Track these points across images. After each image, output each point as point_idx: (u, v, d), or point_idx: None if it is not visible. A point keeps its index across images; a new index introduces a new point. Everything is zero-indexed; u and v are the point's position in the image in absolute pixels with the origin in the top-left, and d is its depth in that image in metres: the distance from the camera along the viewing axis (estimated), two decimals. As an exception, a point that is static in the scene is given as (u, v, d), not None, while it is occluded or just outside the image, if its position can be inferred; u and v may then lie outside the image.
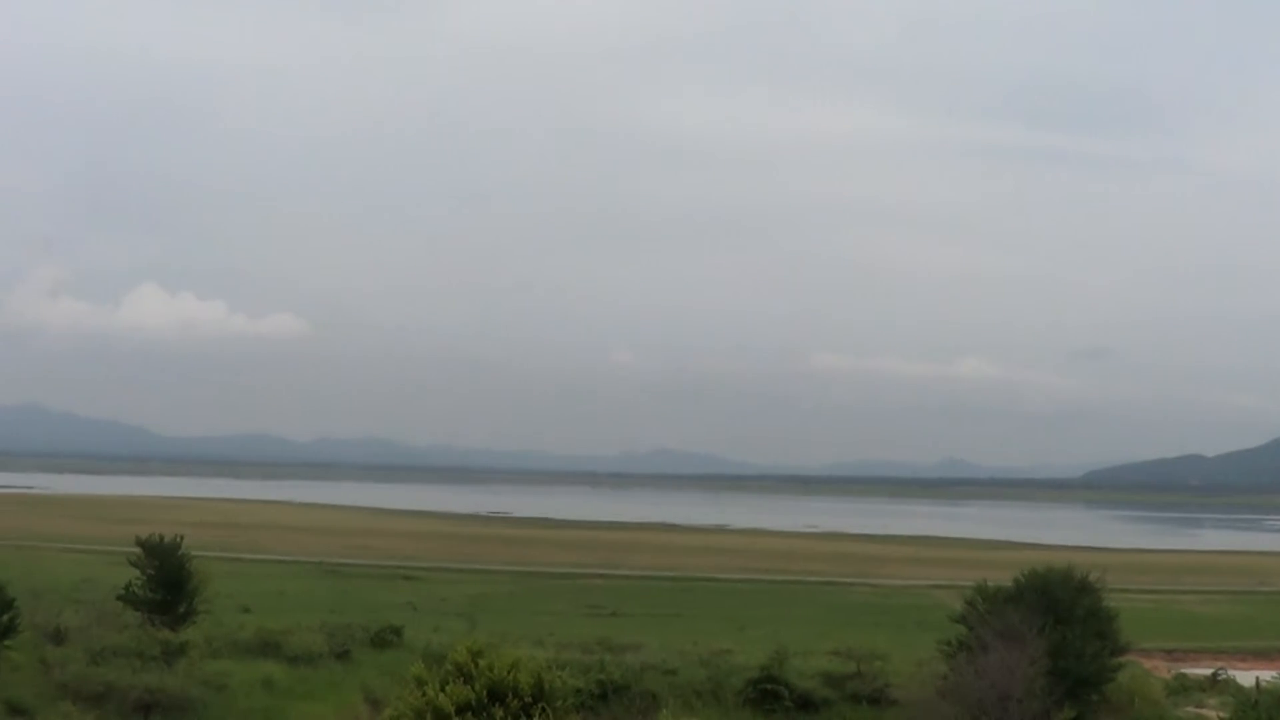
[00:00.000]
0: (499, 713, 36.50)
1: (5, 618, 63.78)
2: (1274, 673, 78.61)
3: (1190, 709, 73.89)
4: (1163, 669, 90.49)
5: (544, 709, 36.99)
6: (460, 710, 36.62)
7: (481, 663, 38.02)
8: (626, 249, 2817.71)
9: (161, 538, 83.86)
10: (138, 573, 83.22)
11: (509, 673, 37.50)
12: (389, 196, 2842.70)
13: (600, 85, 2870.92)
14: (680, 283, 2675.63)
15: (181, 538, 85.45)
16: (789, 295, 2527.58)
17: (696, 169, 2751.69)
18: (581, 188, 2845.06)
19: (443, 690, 37.10)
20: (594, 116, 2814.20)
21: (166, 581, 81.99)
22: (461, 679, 37.64)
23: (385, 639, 78.71)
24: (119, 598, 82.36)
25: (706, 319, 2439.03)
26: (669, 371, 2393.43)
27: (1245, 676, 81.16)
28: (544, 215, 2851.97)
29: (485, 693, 36.95)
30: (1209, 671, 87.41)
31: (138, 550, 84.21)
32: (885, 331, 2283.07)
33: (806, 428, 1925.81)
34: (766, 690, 66.59)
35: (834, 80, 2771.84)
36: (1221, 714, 65.40)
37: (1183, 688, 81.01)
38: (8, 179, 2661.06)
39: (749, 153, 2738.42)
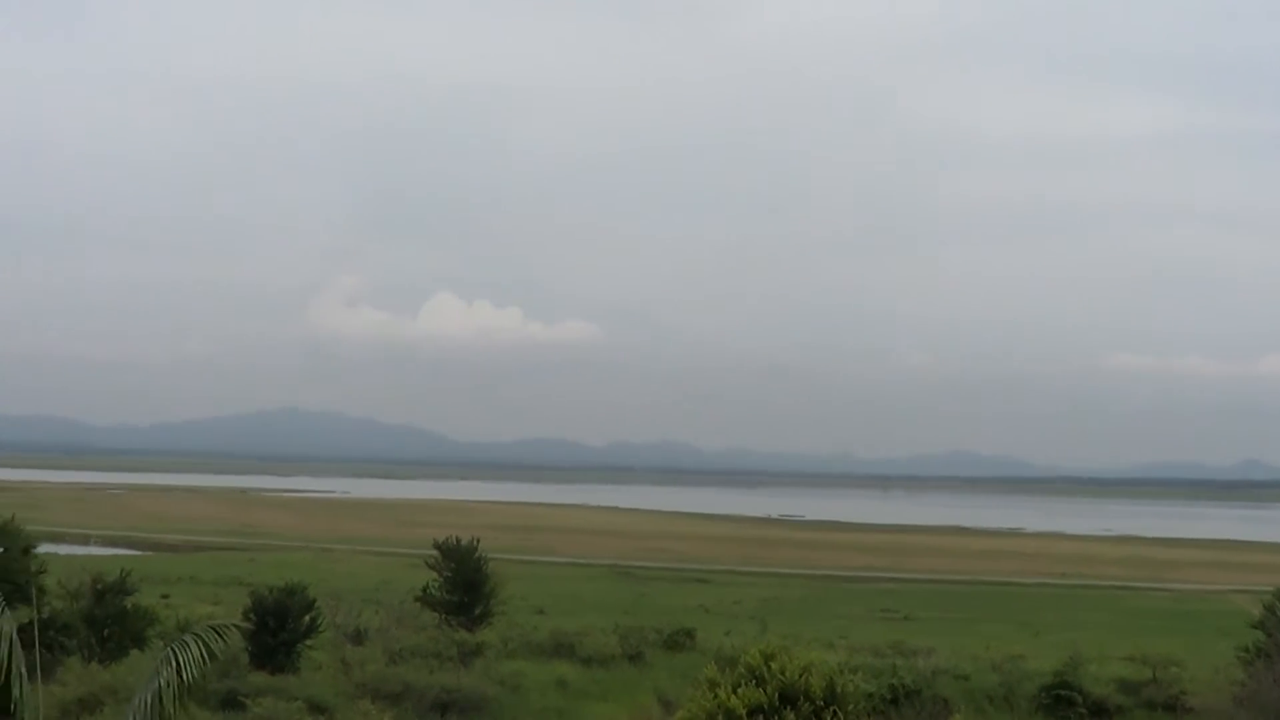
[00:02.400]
0: (790, 716, 36.25)
1: (307, 618, 65.66)
2: None
3: None
4: None
5: (836, 713, 36.63)
6: (752, 713, 36.47)
7: (774, 665, 37.82)
8: (920, 249, 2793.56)
9: (458, 541, 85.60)
10: (435, 575, 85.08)
11: (801, 676, 37.22)
12: (680, 204, 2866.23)
13: (892, 84, 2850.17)
14: (976, 283, 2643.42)
15: (478, 541, 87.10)
16: (1087, 294, 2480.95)
17: (994, 167, 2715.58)
18: (876, 188, 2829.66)
19: (735, 693, 36.99)
20: (888, 116, 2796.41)
21: (463, 583, 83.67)
22: (754, 682, 37.49)
23: (678, 641, 78.96)
24: (417, 599, 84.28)
25: (1003, 319, 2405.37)
26: (964, 373, 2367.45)
27: None
28: (837, 217, 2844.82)
29: (777, 696, 36.74)
30: None
31: (435, 553, 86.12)
32: (1186, 331, 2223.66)
33: (1104, 429, 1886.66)
34: (1060, 696, 65.12)
35: (1132, 74, 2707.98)
36: None
37: None
38: (313, 195, 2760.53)
39: (1047, 150, 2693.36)
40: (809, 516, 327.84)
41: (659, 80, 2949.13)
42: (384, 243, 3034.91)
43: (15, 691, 19.51)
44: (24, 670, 19.74)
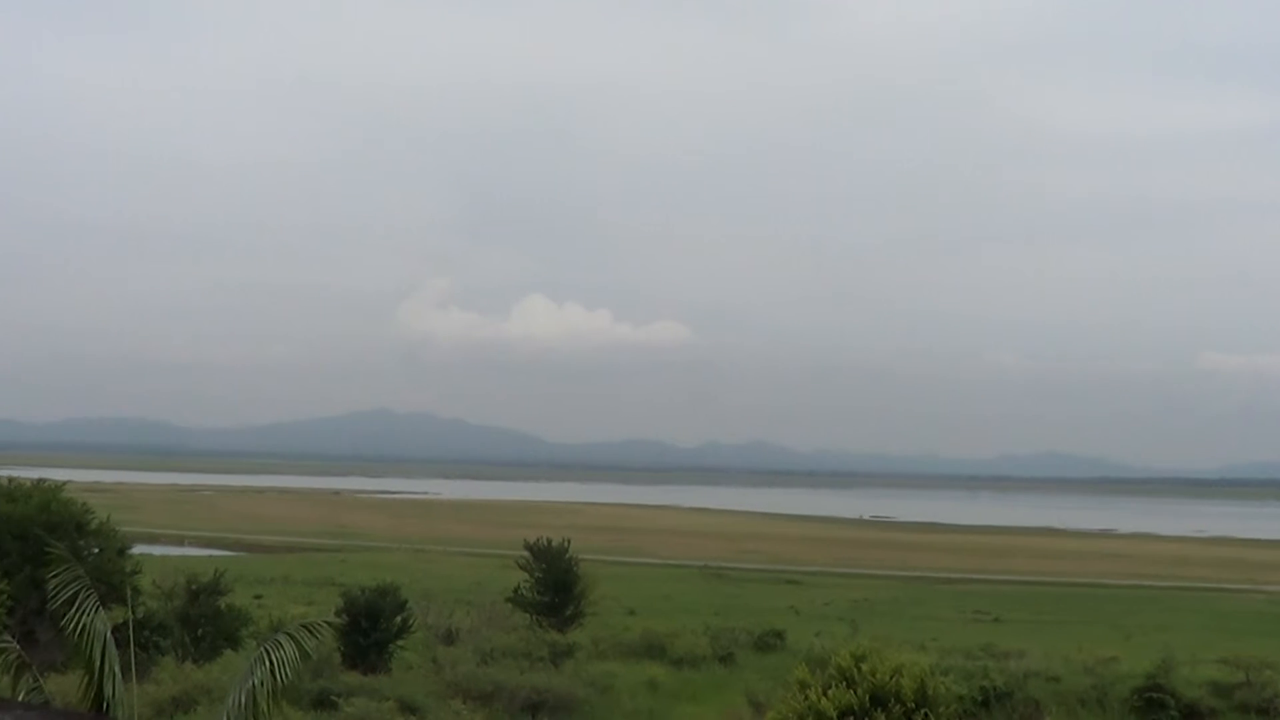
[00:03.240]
0: (881, 718, 36.13)
1: (399, 619, 66.11)
2: None
3: None
4: None
5: (927, 715, 36.46)
6: (843, 715, 36.36)
7: (865, 667, 37.71)
8: (1007, 249, 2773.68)
9: (549, 542, 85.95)
10: (526, 576, 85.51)
11: (892, 678, 37.08)
12: (770, 205, 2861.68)
13: (984, 84, 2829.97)
14: (1066, 282, 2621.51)
15: (569, 542, 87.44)
16: (1178, 293, 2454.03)
17: (1085, 167, 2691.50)
18: (962, 188, 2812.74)
19: (825, 694, 36.89)
20: (980, 116, 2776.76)
21: (554, 584, 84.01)
22: (844, 683, 37.39)
23: (768, 642, 78.88)
24: (508, 600, 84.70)
25: (1094, 318, 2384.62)
26: (1052, 372, 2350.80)
27: None
28: (925, 217, 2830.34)
29: (868, 698, 36.62)
30: None
31: (526, 554, 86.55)
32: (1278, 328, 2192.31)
33: (1196, 428, 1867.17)
34: (1152, 699, 64.46)
35: (1228, 70, 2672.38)
36: None
37: None
38: (407, 200, 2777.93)
39: (1137, 148, 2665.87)
40: (899, 518, 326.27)
41: (747, 82, 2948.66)
42: (476, 246, 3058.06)
43: (110, 690, 19.74)
44: (119, 669, 19.98)
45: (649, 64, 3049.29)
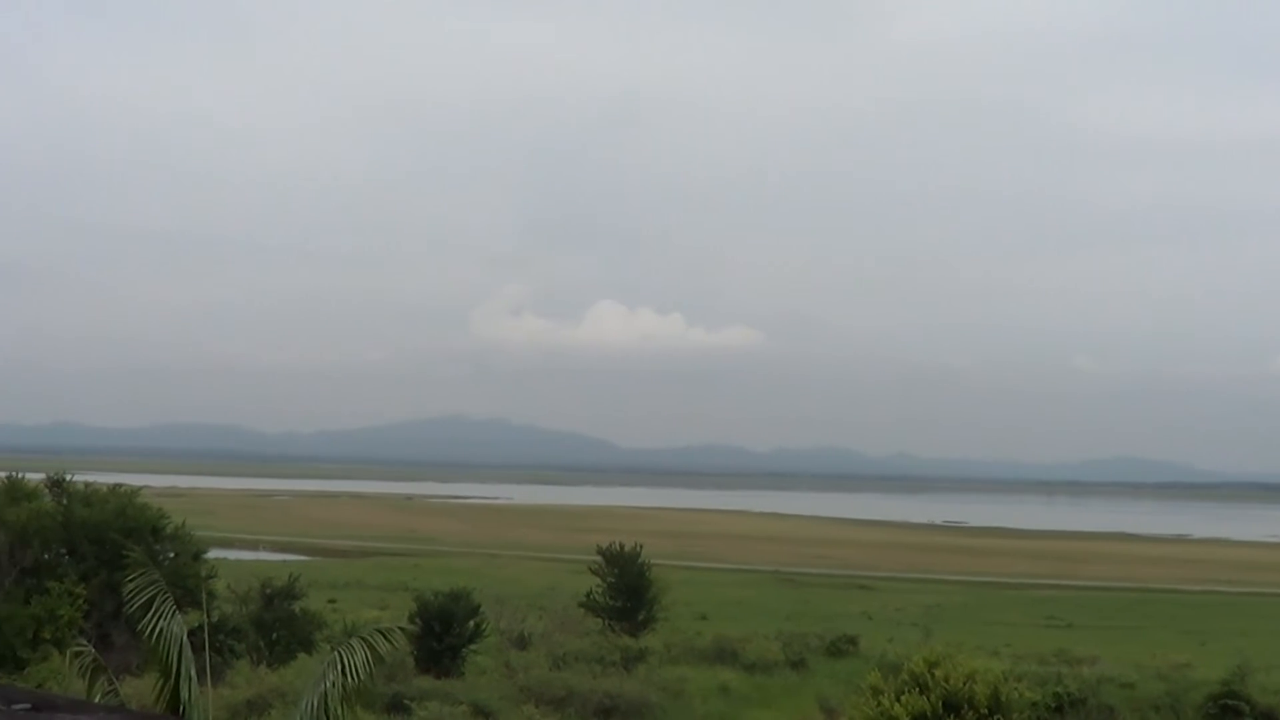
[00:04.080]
0: (954, 724, 36.01)
1: (471, 623, 66.25)
2: None
3: None
4: None
5: (1000, 721, 36.32)
6: (915, 721, 36.28)
7: (937, 673, 37.58)
8: (1086, 253, 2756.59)
9: (622, 546, 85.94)
10: (599, 580, 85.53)
11: (965, 684, 36.94)
12: (841, 210, 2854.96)
13: (1053, 89, 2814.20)
14: (1141, 287, 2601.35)
15: (641, 546, 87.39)
16: (1253, 296, 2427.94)
17: (1157, 171, 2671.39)
18: (1040, 193, 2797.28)
19: (898, 700, 36.81)
20: (1046, 116, 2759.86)
21: (627, 589, 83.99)
22: (917, 689, 37.28)
23: (840, 648, 78.61)
24: (580, 604, 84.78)
25: (1169, 323, 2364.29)
26: (1132, 376, 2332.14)
27: None
28: (998, 219, 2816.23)
29: (941, 704, 36.49)
30: None
31: (599, 559, 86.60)
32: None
33: (1274, 432, 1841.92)
34: (1227, 706, 63.77)
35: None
36: None
37: None
38: (480, 207, 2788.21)
39: (1208, 152, 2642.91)
40: (972, 522, 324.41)
41: (818, 87, 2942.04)
42: (548, 252, 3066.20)
43: (185, 693, 19.87)
44: (194, 673, 20.11)
45: (723, 69, 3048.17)
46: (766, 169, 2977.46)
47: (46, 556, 62.43)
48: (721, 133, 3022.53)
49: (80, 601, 57.86)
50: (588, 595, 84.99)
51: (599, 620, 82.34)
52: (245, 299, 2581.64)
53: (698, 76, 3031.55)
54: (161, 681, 20.20)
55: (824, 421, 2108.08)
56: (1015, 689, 39.28)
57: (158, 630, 19.79)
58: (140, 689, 38.66)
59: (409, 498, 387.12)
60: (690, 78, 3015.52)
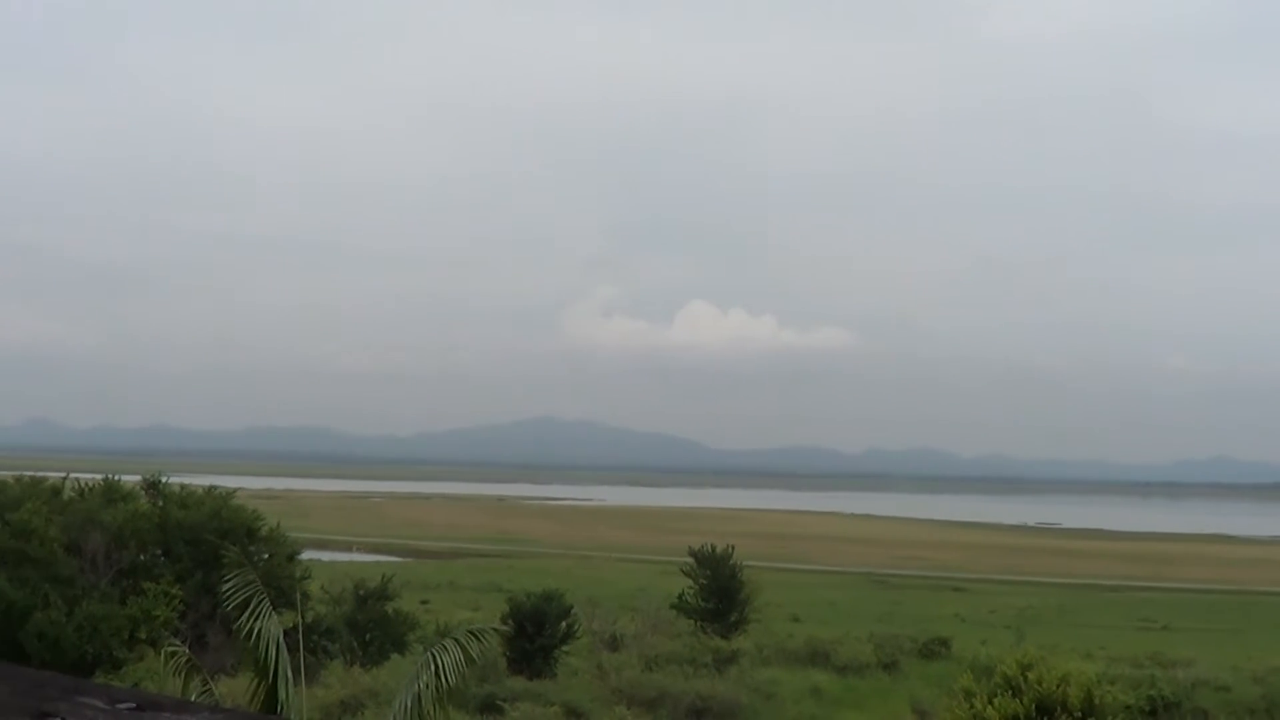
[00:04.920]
0: (1048, 727, 35.78)
1: (564, 624, 66.53)
2: None
3: None
4: None
5: (1094, 724, 36.05)
6: (1008, 724, 36.07)
7: (1030, 676, 37.33)
8: (1180, 251, 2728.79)
9: (713, 548, 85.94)
10: (691, 582, 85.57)
11: (1058, 687, 36.68)
12: (933, 209, 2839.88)
13: (1149, 84, 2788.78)
14: (1238, 282, 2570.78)
15: (733, 548, 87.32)
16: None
17: (1255, 167, 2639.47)
18: (1135, 191, 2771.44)
19: (991, 703, 36.60)
20: (1143, 112, 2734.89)
21: (718, 590, 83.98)
22: (1010, 692, 37.05)
23: (933, 650, 78.25)
24: (672, 606, 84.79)
25: (1267, 320, 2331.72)
26: (1228, 375, 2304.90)
27: None
28: (1092, 217, 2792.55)
29: (1034, 707, 36.25)
30: None
31: (691, 560, 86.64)
32: None
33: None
34: (1328, 710, 63.05)
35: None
36: None
37: None
38: (571, 208, 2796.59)
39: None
40: (1067, 524, 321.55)
41: (907, 86, 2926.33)
42: (640, 253, 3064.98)
43: (281, 693, 20.09)
44: (289, 673, 20.33)
45: (812, 68, 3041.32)
46: (857, 168, 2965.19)
47: (143, 558, 63.33)
48: (811, 132, 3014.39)
49: (176, 602, 58.59)
50: (680, 597, 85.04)
51: (691, 622, 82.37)
52: (337, 301, 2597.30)
53: (787, 76, 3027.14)
54: (257, 682, 20.44)
55: (916, 422, 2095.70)
56: (1109, 692, 38.95)
57: (253, 631, 20.03)
58: (235, 689, 39.09)
59: (501, 499, 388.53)
60: (779, 77, 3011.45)
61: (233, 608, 20.50)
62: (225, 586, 20.54)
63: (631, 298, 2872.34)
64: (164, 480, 69.91)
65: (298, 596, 52.40)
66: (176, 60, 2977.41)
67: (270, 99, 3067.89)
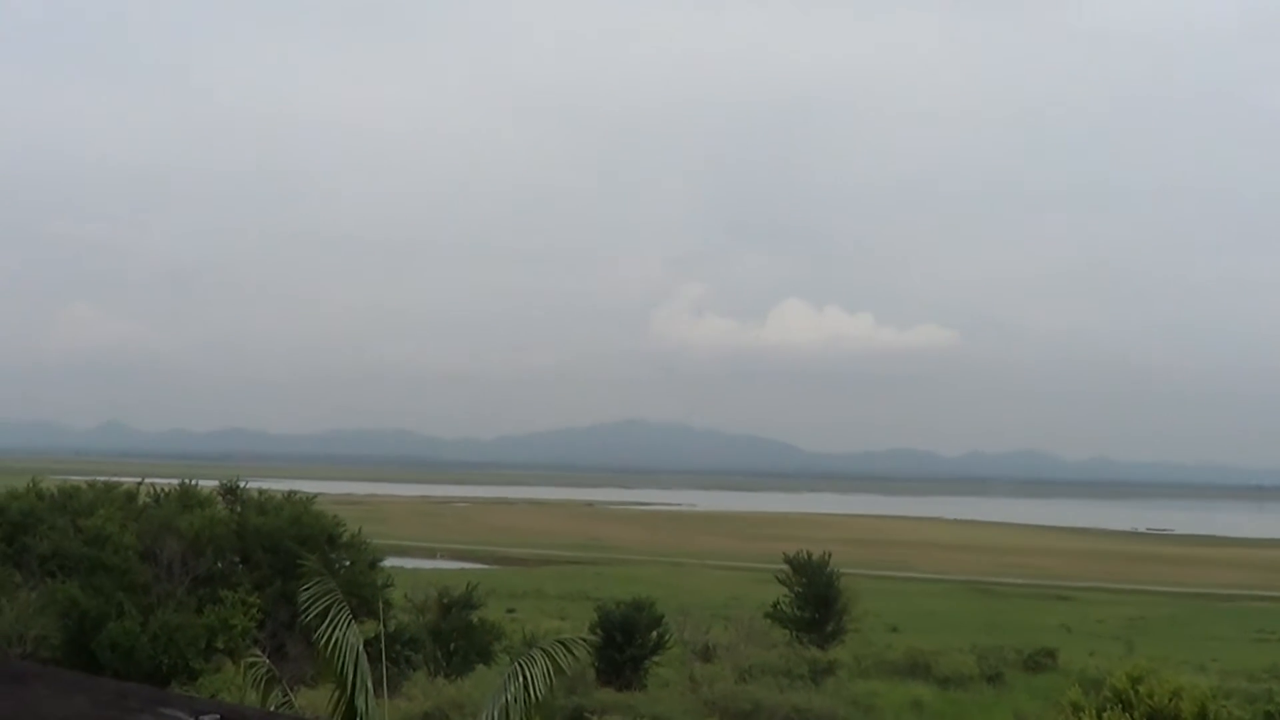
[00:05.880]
0: (1160, 743, 35.41)
1: (654, 634, 66.56)
2: None
3: None
4: None
5: (1209, 740, 35.64)
6: (1118, 739, 35.73)
7: (1141, 689, 36.97)
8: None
9: (809, 555, 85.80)
10: (785, 590, 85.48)
11: (1170, 701, 36.30)
12: (1037, 204, 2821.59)
13: (1249, 69, 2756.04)
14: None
15: (829, 555, 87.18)
16: None
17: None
18: (1245, 184, 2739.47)
19: (1099, 718, 36.28)
20: (1248, 103, 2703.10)
21: (814, 599, 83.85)
22: (1119, 706, 36.71)
23: (1038, 662, 77.79)
24: (767, 615, 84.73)
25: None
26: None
27: None
28: (1199, 212, 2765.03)
29: (1145, 721, 35.93)
30: None
31: (786, 568, 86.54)
32: None
33: None
34: None
35: None
36: None
37: None
38: (661, 204, 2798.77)
39: None
40: (1177, 530, 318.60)
41: (1006, 78, 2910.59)
42: (730, 250, 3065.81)
43: (361, 705, 20.12)
44: (370, 684, 20.36)
45: (908, 63, 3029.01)
46: (956, 163, 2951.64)
47: (220, 565, 63.71)
48: (908, 127, 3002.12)
49: (254, 611, 58.98)
50: (774, 605, 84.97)
51: (785, 631, 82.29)
52: (418, 301, 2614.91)
53: (882, 70, 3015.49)
54: (337, 693, 20.47)
55: (1018, 424, 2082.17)
56: (1224, 707, 38.53)
57: (333, 640, 20.05)
58: (315, 700, 39.36)
59: (589, 504, 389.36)
60: (880, 70, 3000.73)
61: (312, 617, 20.51)
62: (304, 595, 20.55)
63: (723, 296, 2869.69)
64: (242, 485, 70.44)
65: (379, 605, 52.73)
66: (258, 58, 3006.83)
67: (348, 96, 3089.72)
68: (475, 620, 68.84)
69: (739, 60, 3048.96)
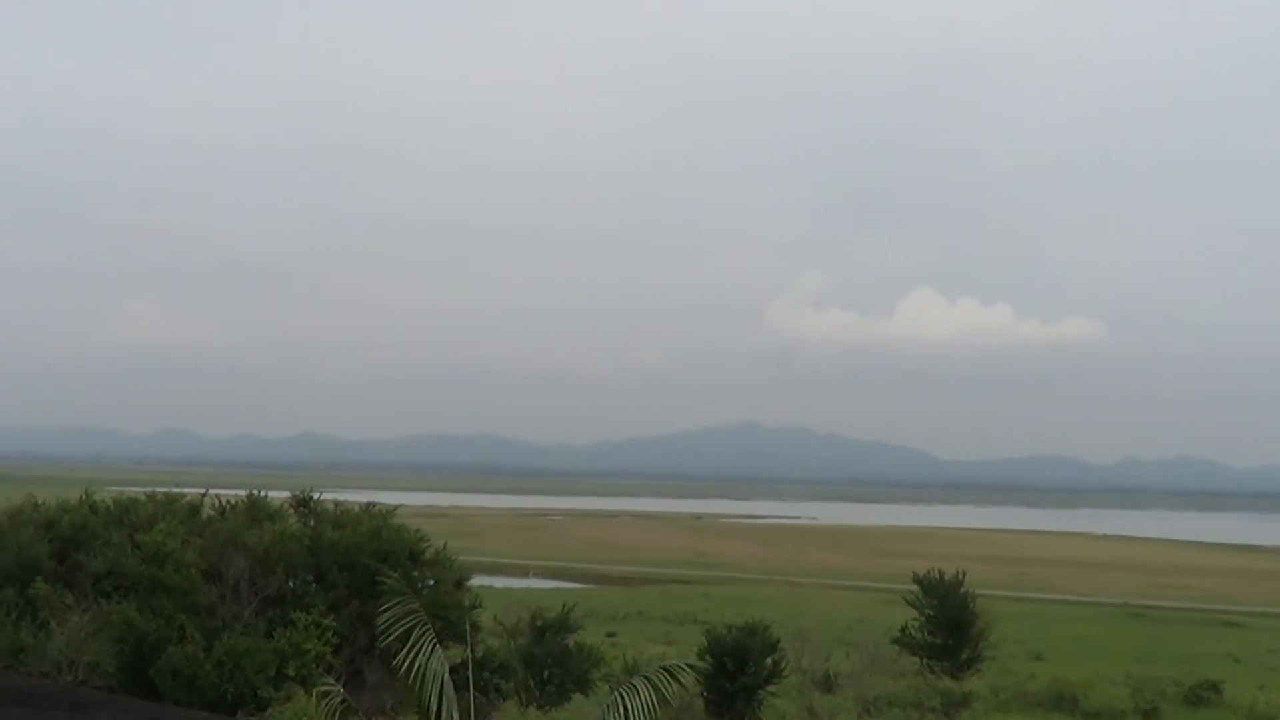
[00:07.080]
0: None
1: (769, 661, 66.54)
2: None
3: None
4: None
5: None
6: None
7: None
8: None
9: (941, 574, 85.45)
10: (915, 613, 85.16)
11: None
12: (1199, 180, 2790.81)
13: None
14: None
15: (964, 574, 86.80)
16: None
17: None
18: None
19: (1269, 757, 36.02)
20: None
21: (947, 623, 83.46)
22: (1292, 744, 36.42)
23: (1201, 695, 77.14)
24: (894, 641, 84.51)
25: None
26: None
27: None
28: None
29: (1322, 762, 35.60)
30: None
31: (915, 588, 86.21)
32: None
33: None
34: None
35: None
36: None
37: None
38: (776, 187, 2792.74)
39: None
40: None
41: (1158, 48, 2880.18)
42: (853, 235, 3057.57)
43: (447, 737, 20.24)
44: (456, 714, 20.50)
45: (1045, 33, 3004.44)
46: (1102, 139, 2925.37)
47: (292, 584, 63.93)
48: (1052, 94, 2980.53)
49: (329, 634, 59.24)
50: (902, 630, 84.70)
51: (915, 659, 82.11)
52: (507, 297, 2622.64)
53: (1019, 39, 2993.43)
54: (420, 724, 20.61)
55: (1179, 429, 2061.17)
56: None
57: (416, 667, 20.19)
58: (396, 732, 39.66)
59: (698, 517, 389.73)
60: (1011, 40, 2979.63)
61: (392, 640, 20.67)
62: (384, 617, 20.73)
63: (845, 285, 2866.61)
64: (316, 497, 70.77)
65: (466, 628, 52.82)
66: (326, 37, 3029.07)
67: (430, 76, 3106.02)
68: (571, 645, 69.08)
69: (855, 32, 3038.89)
